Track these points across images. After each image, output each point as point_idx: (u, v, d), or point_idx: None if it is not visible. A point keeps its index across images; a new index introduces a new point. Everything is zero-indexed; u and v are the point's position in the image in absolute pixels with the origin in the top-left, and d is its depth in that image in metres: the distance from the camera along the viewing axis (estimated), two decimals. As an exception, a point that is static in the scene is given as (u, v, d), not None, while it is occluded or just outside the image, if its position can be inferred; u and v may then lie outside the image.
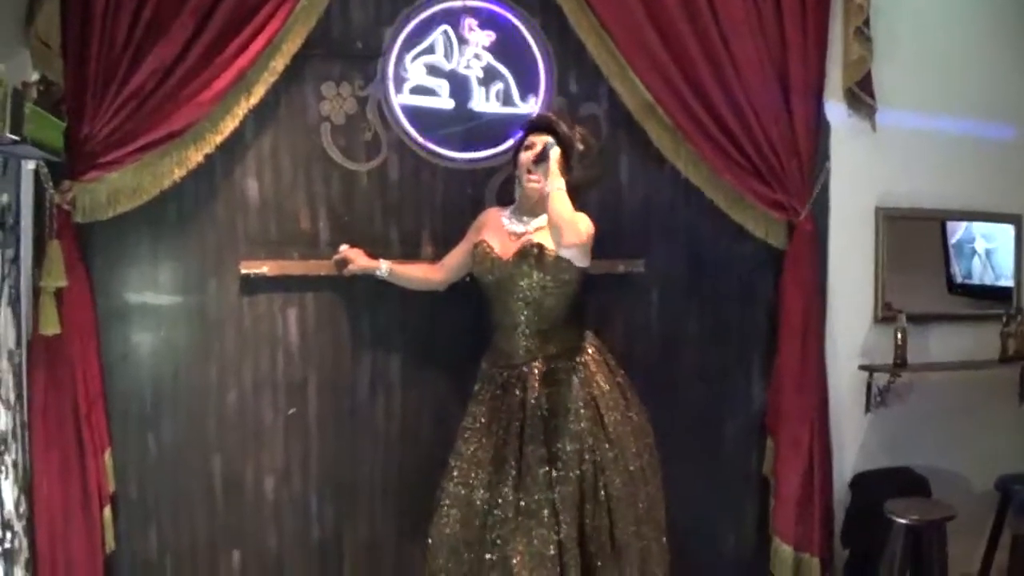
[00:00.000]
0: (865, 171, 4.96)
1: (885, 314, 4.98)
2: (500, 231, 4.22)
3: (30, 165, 3.91)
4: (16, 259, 3.92)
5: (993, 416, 5.23)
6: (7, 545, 3.64)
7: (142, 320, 4.31)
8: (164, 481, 4.36)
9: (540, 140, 4.13)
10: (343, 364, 4.47)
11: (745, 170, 4.62)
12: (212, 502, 4.41)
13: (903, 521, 4.18)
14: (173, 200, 4.23)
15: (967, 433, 5.18)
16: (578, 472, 4.03)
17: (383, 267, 4.30)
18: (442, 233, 4.49)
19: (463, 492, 4.08)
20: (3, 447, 3.67)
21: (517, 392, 4.12)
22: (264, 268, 4.32)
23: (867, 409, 5.01)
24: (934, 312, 5.16)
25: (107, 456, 4.22)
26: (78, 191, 3.99)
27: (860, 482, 4.96)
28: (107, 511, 4.21)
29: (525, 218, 4.20)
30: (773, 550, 4.84)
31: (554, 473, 4.02)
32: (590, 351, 4.24)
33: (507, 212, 4.26)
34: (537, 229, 4.13)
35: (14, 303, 3.89)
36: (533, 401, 4.08)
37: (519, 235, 4.16)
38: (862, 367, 4.99)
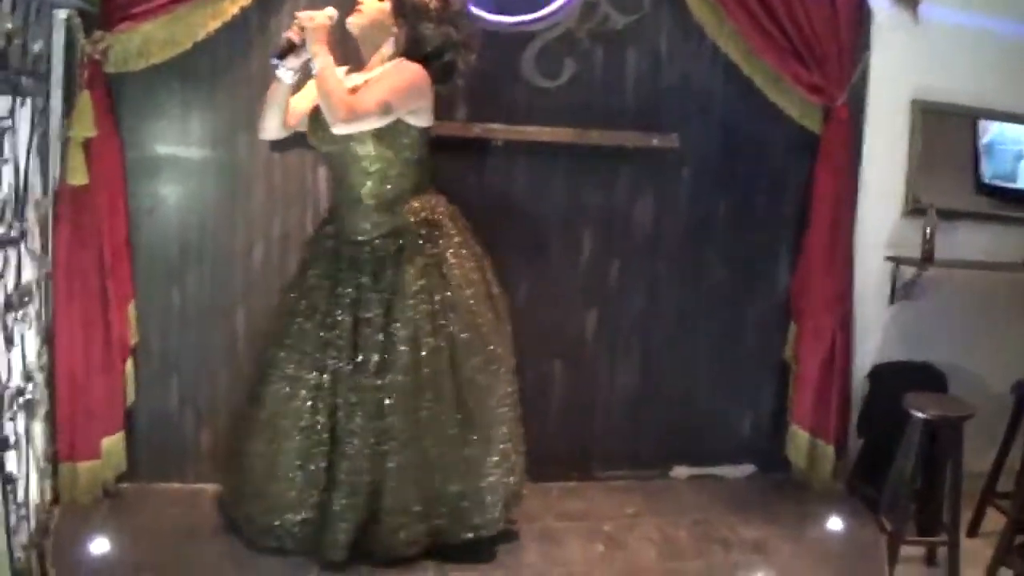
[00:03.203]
0: (904, 63, 4.87)
1: (914, 207, 4.94)
2: None
3: (62, 14, 3.88)
4: (46, 109, 3.90)
5: (1015, 319, 5.21)
6: (27, 396, 3.65)
7: (171, 173, 4.31)
8: (187, 335, 4.40)
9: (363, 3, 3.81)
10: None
11: (785, 51, 4.53)
12: (234, 357, 4.44)
13: (922, 415, 4.11)
14: (206, 52, 4.18)
15: (988, 334, 5.17)
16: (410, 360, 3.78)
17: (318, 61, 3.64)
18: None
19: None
20: (27, 298, 3.66)
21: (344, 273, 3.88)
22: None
23: (891, 301, 5.00)
24: (962, 209, 5.08)
25: (131, 308, 4.26)
26: (110, 41, 3.94)
27: (879, 373, 4.96)
28: (129, 363, 4.26)
29: (353, 76, 3.87)
30: (789, 435, 4.89)
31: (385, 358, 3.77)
32: (445, 224, 3.93)
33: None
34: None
35: (43, 153, 3.88)
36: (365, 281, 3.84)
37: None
38: (888, 258, 4.96)
